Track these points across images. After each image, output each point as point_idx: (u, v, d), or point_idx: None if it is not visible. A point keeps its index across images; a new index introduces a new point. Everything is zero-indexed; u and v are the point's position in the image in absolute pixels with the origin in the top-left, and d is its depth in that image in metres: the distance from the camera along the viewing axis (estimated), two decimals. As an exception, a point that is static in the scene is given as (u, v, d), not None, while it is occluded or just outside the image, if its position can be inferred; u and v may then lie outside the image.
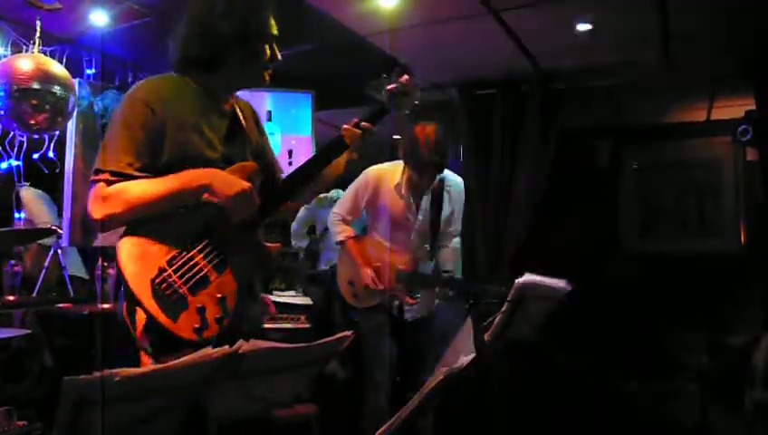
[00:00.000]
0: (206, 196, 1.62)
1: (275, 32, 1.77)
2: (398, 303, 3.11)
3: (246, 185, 1.64)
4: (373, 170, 3.14)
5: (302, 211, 4.25)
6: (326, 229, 3.71)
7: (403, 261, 3.09)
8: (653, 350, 4.31)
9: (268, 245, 1.78)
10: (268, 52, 1.76)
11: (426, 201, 3.13)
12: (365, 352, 3.11)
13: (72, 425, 0.99)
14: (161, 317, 1.52)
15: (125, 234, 1.61)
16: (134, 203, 1.57)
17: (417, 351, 3.12)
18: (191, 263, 1.60)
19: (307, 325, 3.41)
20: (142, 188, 1.59)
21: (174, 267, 1.57)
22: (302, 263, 4.17)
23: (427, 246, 3.15)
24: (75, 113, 3.32)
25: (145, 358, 1.56)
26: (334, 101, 4.10)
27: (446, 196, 3.16)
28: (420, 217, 3.14)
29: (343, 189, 3.29)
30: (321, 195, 4.07)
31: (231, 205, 1.62)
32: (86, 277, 3.74)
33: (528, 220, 3.69)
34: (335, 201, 3.37)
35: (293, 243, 4.33)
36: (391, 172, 3.12)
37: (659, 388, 4.09)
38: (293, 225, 4.32)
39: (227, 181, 1.63)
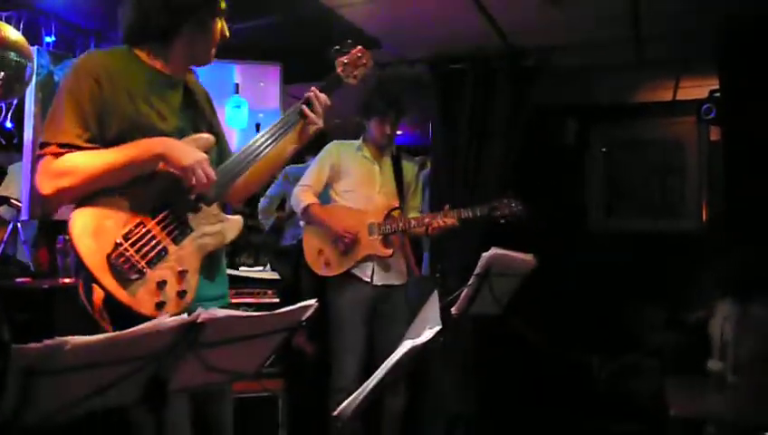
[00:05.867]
0: (162, 165, 1.58)
1: (224, 6, 1.75)
2: (372, 265, 3.06)
3: (202, 155, 1.60)
4: (335, 142, 3.23)
5: (271, 188, 4.21)
6: (293, 213, 3.65)
7: (373, 215, 3.07)
8: (615, 325, 4.40)
9: (229, 217, 1.75)
10: (219, 26, 1.73)
11: (387, 166, 3.18)
12: (335, 323, 3.08)
13: (22, 395, 0.96)
14: (120, 294, 1.49)
15: (77, 207, 1.55)
16: (86, 175, 1.52)
17: (389, 320, 3.09)
18: (149, 236, 1.56)
19: (275, 300, 3.38)
20: (93, 159, 1.53)
21: (131, 241, 1.53)
22: (268, 237, 4.12)
23: (395, 205, 3.13)
24: (34, 82, 3.20)
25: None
26: (303, 75, 4.03)
27: (403, 167, 3.24)
28: (384, 177, 3.15)
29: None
30: (291, 169, 4.06)
31: (187, 175, 1.58)
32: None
33: (496, 196, 3.71)
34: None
35: (260, 219, 4.27)
36: (352, 144, 3.22)
37: (620, 362, 4.19)
38: (262, 200, 4.26)
39: (183, 150, 1.59)
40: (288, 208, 3.95)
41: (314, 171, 3.16)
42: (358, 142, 3.21)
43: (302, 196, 3.14)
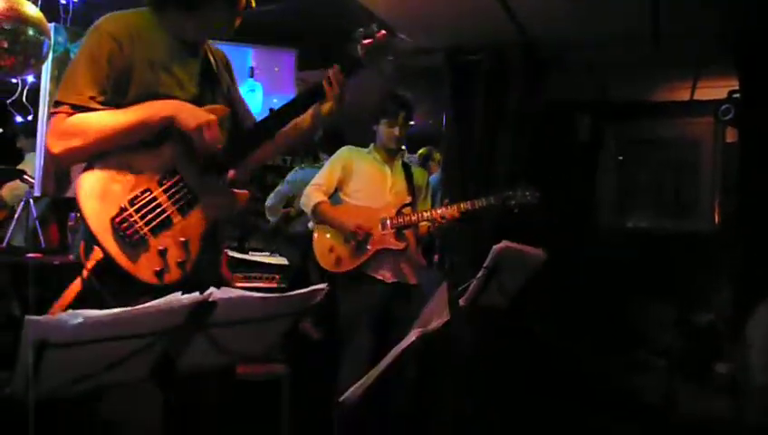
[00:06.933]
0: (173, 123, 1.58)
1: None
2: (385, 262, 3.03)
3: (211, 117, 1.59)
4: (347, 147, 3.22)
5: (279, 187, 4.19)
6: (303, 212, 3.63)
7: (385, 211, 3.05)
8: (624, 324, 4.39)
9: (236, 191, 1.74)
10: None
11: (397, 168, 3.18)
12: (344, 323, 3.03)
13: (34, 368, 0.97)
14: (120, 258, 1.48)
15: (86, 169, 1.55)
16: (96, 135, 1.51)
17: (404, 323, 3.05)
18: (154, 203, 1.56)
19: (282, 285, 3.38)
20: (103, 120, 1.52)
21: (136, 207, 1.52)
22: (278, 222, 4.11)
23: (407, 202, 3.11)
24: (50, 59, 3.20)
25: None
26: (318, 62, 4.01)
27: (413, 172, 3.24)
28: (395, 178, 3.14)
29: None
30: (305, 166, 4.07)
31: (196, 135, 1.57)
32: None
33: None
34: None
35: (268, 217, 4.24)
36: (364, 151, 3.21)
37: (627, 361, 4.17)
38: (269, 200, 4.21)
39: (192, 113, 1.58)
40: (297, 207, 3.94)
41: (326, 171, 3.16)
42: (371, 150, 3.21)
43: (313, 194, 3.12)
